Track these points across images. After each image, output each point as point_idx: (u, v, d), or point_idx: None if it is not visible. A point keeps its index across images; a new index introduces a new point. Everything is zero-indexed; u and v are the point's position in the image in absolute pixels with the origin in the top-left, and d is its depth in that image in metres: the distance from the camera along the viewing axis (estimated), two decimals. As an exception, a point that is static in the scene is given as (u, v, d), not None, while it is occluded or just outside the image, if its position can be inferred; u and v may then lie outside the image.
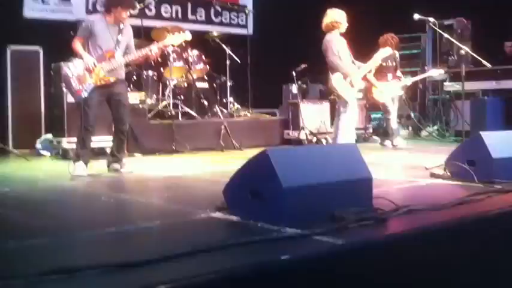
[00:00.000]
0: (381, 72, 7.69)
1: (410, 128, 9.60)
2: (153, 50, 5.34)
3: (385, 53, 5.94)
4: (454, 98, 8.89)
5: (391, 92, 7.64)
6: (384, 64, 7.65)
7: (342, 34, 5.91)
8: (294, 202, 2.84)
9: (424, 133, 9.51)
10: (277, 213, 2.83)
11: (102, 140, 6.51)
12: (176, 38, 5.56)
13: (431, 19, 6.44)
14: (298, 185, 2.87)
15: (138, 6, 8.61)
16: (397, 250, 2.60)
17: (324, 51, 5.81)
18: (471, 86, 8.54)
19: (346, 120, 5.68)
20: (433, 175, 4.56)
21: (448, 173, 4.43)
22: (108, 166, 5.47)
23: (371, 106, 8.47)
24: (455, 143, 7.32)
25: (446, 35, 6.36)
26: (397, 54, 7.88)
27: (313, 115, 8.46)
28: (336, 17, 5.81)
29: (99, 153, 6.49)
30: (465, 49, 6.00)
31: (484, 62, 5.53)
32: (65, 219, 3.29)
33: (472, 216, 3.09)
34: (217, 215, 3.12)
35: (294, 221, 2.76)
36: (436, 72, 7.87)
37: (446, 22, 8.84)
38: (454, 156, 4.47)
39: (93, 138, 5.86)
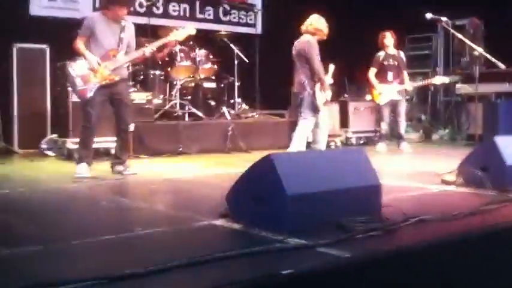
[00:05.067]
0: (381, 72, 7.53)
1: (421, 131, 9.42)
2: (146, 51, 5.22)
3: (331, 68, 5.86)
4: (466, 100, 8.71)
5: (388, 95, 7.47)
6: (386, 63, 7.51)
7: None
8: (299, 210, 2.72)
9: (435, 136, 9.34)
10: (281, 221, 2.71)
11: (107, 141, 6.41)
12: (180, 33, 5.42)
13: (444, 18, 6.21)
14: (303, 193, 2.75)
15: (144, 3, 8.59)
16: (406, 263, 2.47)
17: (303, 52, 5.67)
18: (484, 88, 8.33)
19: (306, 126, 5.64)
20: (444, 182, 4.41)
21: (461, 180, 4.27)
22: (112, 168, 5.38)
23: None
24: (467, 147, 7.15)
25: (459, 35, 6.13)
26: (401, 53, 7.68)
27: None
28: (319, 25, 5.74)
29: (105, 154, 6.39)
30: (479, 50, 5.81)
31: (499, 64, 5.33)
32: (61, 225, 3.18)
33: (486, 228, 2.94)
34: (220, 222, 3.00)
35: (299, 230, 2.65)
36: (439, 80, 7.64)
37: (458, 22, 8.65)
38: (467, 162, 4.32)
39: (98, 139, 5.78)
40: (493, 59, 5.41)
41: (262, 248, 2.43)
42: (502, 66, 5.40)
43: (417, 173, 5.20)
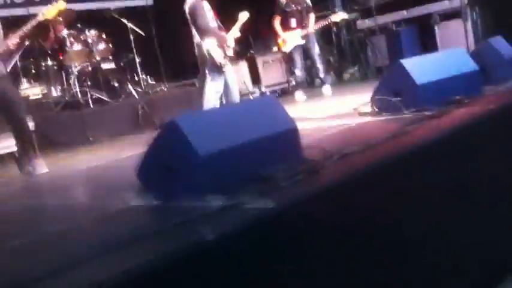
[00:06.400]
0: (285, 19, 7.34)
1: (332, 73, 9.44)
2: (11, 41, 4.73)
3: (243, 16, 5.55)
4: (369, 34, 8.78)
5: (293, 41, 7.32)
6: (288, 9, 7.33)
7: None
8: (215, 169, 2.52)
9: (346, 76, 9.39)
10: (199, 186, 2.51)
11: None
12: (49, 10, 4.86)
13: None
14: (216, 150, 2.55)
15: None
16: (333, 201, 2.35)
17: (190, 13, 5.35)
18: (383, 19, 8.46)
19: (214, 88, 5.36)
20: (361, 114, 4.37)
21: (376, 109, 4.24)
22: (20, 170, 4.96)
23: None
24: (378, 80, 7.20)
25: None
26: None
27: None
28: None
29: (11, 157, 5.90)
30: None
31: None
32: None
33: (407, 150, 2.89)
34: (135, 202, 2.75)
35: (219, 191, 2.45)
36: (338, 17, 7.55)
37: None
38: (379, 90, 4.29)
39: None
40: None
41: (182, 218, 2.23)
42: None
43: (335, 112, 5.15)
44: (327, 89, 7.37)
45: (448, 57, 4.41)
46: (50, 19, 5.00)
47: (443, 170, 2.88)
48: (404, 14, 8.36)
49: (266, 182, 2.50)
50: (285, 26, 7.35)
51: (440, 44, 7.98)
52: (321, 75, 7.49)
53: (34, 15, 4.91)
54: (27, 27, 4.74)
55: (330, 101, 6.76)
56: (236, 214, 2.17)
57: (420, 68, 4.07)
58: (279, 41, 7.46)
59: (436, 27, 8.06)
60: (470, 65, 4.32)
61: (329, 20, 7.52)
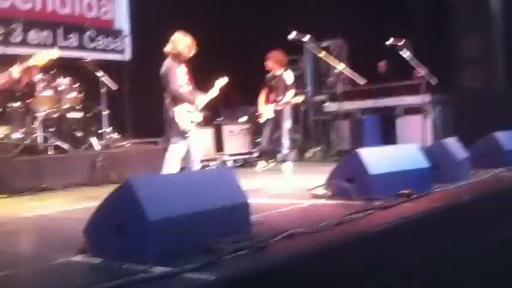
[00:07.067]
0: (268, 92, 7.62)
1: (295, 151, 9.63)
2: (13, 72, 4.79)
3: (221, 82, 5.79)
4: (334, 118, 9.09)
5: (265, 114, 7.58)
6: (269, 84, 7.60)
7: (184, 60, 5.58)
8: (163, 236, 2.55)
9: (308, 155, 9.58)
10: (145, 251, 2.53)
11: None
12: (41, 56, 5.03)
13: (307, 38, 6.26)
14: (167, 217, 2.59)
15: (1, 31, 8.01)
16: (274, 279, 2.40)
17: (163, 77, 5.48)
18: (350, 105, 8.80)
19: (176, 152, 5.47)
20: (315, 196, 4.49)
21: (329, 193, 4.37)
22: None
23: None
24: (337, 163, 7.37)
25: (321, 54, 6.28)
26: (285, 74, 7.56)
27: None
28: (180, 46, 5.48)
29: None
30: (339, 67, 6.05)
31: (358, 78, 5.58)
32: None
33: (352, 236, 2.99)
34: (78, 258, 2.74)
35: (165, 258, 2.48)
36: (295, 100, 7.62)
37: (323, 44, 9.07)
38: (334, 175, 4.44)
39: None
40: (352, 75, 5.65)
41: (122, 280, 2.23)
42: (361, 81, 5.66)
43: (290, 190, 5.27)
44: (286, 165, 7.49)
45: (403, 151, 4.64)
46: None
47: (383, 259, 2.97)
48: (369, 103, 8.72)
49: (211, 253, 2.54)
50: (266, 98, 7.64)
51: (400, 136, 8.30)
52: (284, 151, 7.62)
53: (23, 57, 5.02)
54: (17, 69, 4.82)
55: (287, 178, 6.88)
56: (175, 283, 2.19)
57: (375, 159, 4.26)
58: (257, 113, 7.70)
59: (398, 120, 8.41)
60: (423, 162, 4.55)
61: (289, 101, 7.65)
